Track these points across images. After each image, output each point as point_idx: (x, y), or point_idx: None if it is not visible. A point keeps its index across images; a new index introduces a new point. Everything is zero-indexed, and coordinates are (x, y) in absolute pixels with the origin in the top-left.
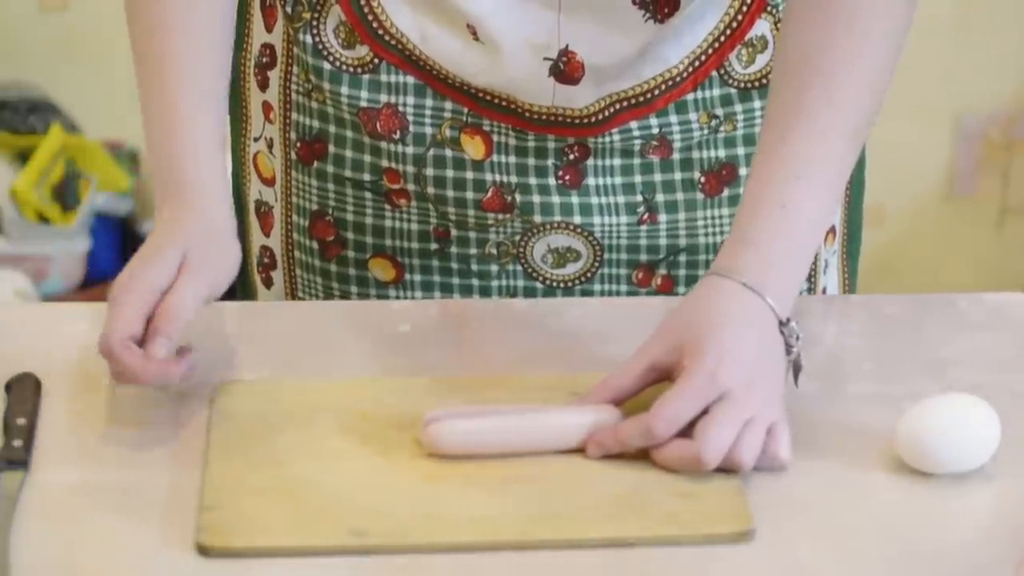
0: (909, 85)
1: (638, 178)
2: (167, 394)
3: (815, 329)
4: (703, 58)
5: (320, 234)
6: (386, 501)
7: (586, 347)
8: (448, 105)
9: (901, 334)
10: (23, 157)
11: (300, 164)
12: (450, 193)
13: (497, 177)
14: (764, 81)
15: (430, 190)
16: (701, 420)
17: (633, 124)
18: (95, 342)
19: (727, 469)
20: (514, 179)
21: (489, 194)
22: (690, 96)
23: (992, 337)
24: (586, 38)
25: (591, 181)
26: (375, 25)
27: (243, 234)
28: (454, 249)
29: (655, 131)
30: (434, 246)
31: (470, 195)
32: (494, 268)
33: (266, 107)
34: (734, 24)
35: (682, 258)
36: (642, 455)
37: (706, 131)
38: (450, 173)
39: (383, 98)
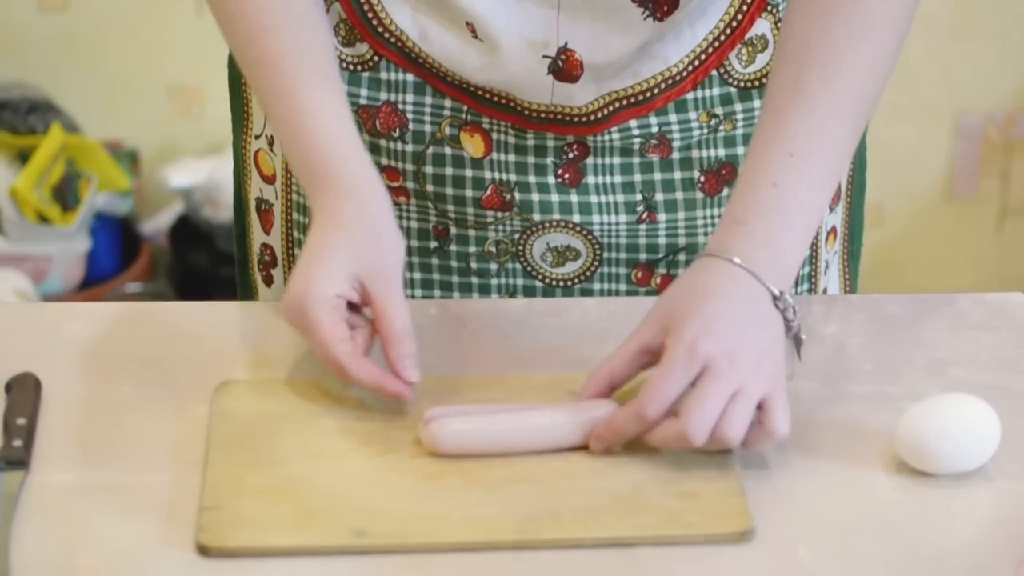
0: (909, 85)
1: (638, 177)
2: (167, 394)
3: (815, 329)
4: (703, 57)
5: None
6: (386, 501)
7: (585, 347)
8: (447, 103)
9: (901, 334)
10: (23, 157)
11: None
12: (449, 191)
13: (496, 175)
14: (764, 80)
15: (429, 188)
16: (685, 395)
17: (633, 123)
18: (95, 342)
19: (725, 451)
20: (513, 177)
21: (488, 192)
22: (690, 95)
23: (992, 337)
24: (585, 36)
25: (590, 180)
26: (375, 23)
27: (244, 232)
28: (453, 247)
29: (655, 130)
30: (433, 244)
31: (469, 193)
32: (493, 266)
33: None
34: (734, 23)
35: (681, 257)
36: (642, 454)
37: (706, 130)
38: (449, 171)
39: (383, 96)
